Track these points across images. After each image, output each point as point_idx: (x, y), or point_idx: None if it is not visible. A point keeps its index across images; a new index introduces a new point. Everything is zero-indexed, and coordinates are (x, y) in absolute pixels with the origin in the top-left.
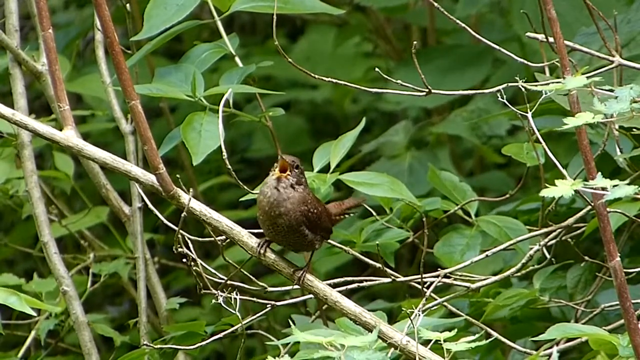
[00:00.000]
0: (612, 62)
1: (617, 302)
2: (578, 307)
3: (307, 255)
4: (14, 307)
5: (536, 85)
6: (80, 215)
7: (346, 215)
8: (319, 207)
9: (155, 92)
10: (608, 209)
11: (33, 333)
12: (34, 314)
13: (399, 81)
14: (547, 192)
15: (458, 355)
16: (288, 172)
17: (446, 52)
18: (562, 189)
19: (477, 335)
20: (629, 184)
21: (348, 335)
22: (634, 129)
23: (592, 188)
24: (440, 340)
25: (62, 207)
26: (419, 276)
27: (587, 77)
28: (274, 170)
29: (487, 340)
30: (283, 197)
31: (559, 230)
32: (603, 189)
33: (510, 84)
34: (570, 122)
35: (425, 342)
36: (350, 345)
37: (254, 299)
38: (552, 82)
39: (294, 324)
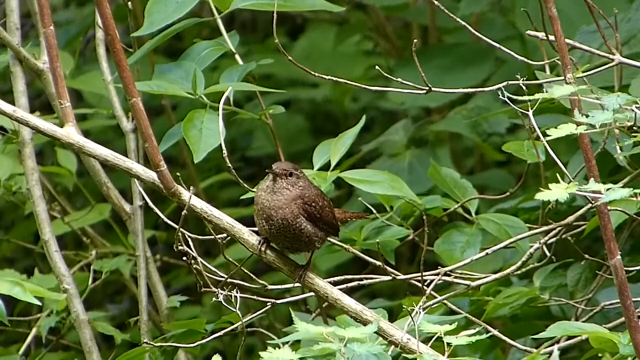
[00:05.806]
0: (613, 60)
1: (618, 300)
2: (578, 305)
3: (308, 253)
4: (18, 297)
5: (536, 83)
6: (82, 212)
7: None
8: (320, 201)
9: (156, 90)
10: (608, 207)
11: (34, 330)
12: (39, 303)
13: (399, 79)
14: (543, 196)
15: (459, 352)
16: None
17: (447, 50)
18: (557, 192)
19: (477, 329)
20: (628, 182)
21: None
22: (635, 127)
23: (586, 191)
24: (441, 336)
25: (64, 204)
26: (420, 274)
27: (586, 76)
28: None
29: (487, 335)
30: (277, 193)
31: (559, 228)
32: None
33: (510, 82)
34: (553, 134)
35: (426, 340)
36: (351, 337)
37: (255, 297)
38: (553, 80)
39: (295, 319)
